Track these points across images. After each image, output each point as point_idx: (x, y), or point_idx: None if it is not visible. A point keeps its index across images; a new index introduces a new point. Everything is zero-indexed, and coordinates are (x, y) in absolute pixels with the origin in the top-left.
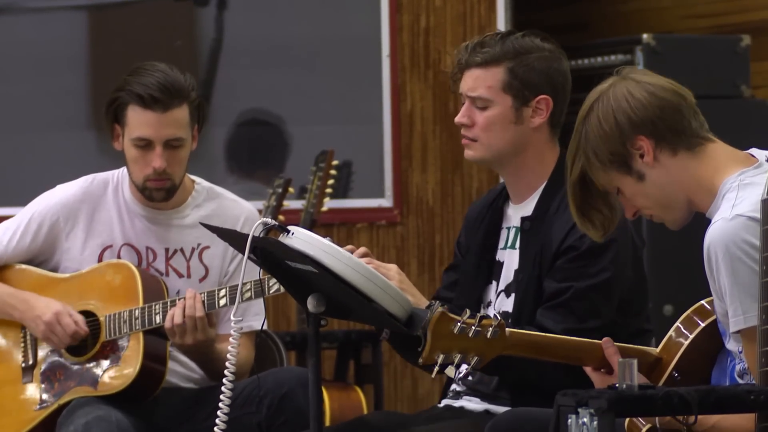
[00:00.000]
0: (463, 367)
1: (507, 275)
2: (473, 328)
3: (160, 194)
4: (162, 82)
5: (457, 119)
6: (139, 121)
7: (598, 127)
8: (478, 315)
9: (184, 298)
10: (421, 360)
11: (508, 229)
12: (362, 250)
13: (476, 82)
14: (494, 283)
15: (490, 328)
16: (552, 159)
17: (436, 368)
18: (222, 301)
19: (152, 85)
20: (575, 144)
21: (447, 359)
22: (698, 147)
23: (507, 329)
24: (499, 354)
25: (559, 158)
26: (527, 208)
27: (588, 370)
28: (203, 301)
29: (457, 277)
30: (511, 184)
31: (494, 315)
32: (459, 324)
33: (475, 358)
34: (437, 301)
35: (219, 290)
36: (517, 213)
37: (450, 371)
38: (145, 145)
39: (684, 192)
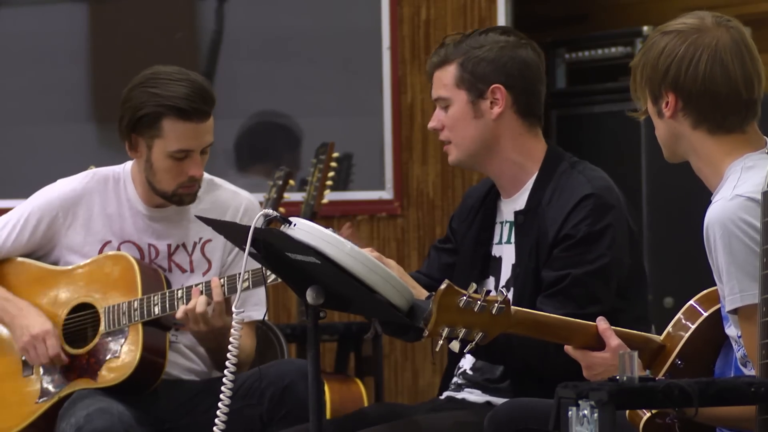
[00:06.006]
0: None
1: (506, 270)
2: (479, 302)
3: (190, 198)
4: (197, 91)
5: (429, 126)
6: (180, 134)
7: (657, 54)
8: (484, 290)
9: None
10: (426, 333)
11: (502, 224)
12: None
13: (436, 84)
14: (491, 278)
15: (496, 304)
16: (538, 152)
17: (440, 342)
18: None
19: (191, 96)
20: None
21: (451, 333)
22: (720, 134)
23: (512, 307)
24: (504, 331)
25: (547, 151)
26: (519, 202)
27: (575, 351)
28: (201, 291)
29: (451, 261)
30: (496, 181)
31: (500, 291)
32: (465, 298)
33: (480, 334)
34: (446, 280)
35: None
36: (508, 207)
37: (455, 346)
38: (184, 156)
39: (692, 157)
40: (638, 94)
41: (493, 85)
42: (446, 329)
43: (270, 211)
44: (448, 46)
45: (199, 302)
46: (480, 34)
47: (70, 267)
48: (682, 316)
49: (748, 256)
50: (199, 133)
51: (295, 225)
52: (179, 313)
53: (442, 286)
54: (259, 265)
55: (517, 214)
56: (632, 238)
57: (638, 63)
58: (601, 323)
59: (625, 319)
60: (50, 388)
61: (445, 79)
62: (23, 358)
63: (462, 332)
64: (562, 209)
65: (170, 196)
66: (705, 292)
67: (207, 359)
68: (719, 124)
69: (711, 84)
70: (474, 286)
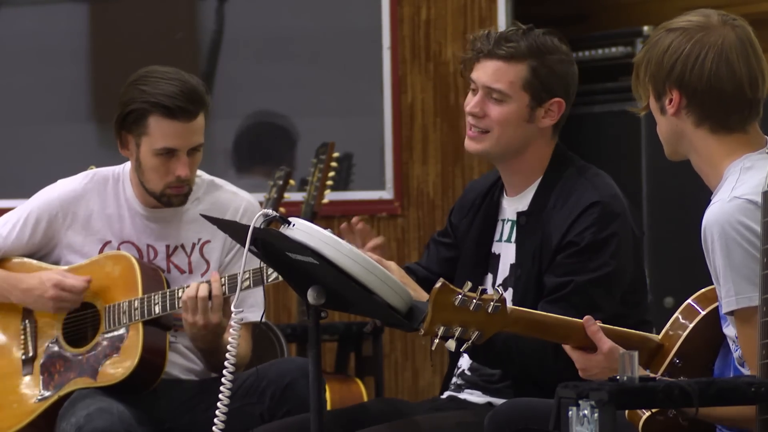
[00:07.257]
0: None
1: (504, 269)
2: (474, 301)
3: (179, 199)
4: (185, 91)
5: (469, 109)
6: (165, 132)
7: (663, 51)
8: (480, 288)
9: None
10: (422, 332)
11: (503, 221)
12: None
13: (497, 74)
14: (490, 275)
15: (491, 303)
16: (548, 153)
17: (436, 341)
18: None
19: (177, 95)
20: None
21: (447, 332)
22: (722, 133)
23: (508, 306)
24: (500, 330)
25: (554, 152)
26: (523, 201)
27: (568, 349)
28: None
29: (450, 255)
30: (507, 178)
31: (495, 289)
32: (460, 296)
33: (476, 333)
34: (441, 279)
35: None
36: (512, 206)
37: (450, 345)
38: (167, 153)
39: (693, 155)
40: (640, 90)
41: (556, 99)
42: (442, 328)
43: (269, 211)
44: (517, 40)
45: (201, 288)
46: (544, 35)
47: (70, 266)
48: (680, 315)
49: (745, 259)
50: (185, 132)
51: (294, 225)
52: (183, 296)
53: (437, 285)
54: (258, 265)
55: (519, 214)
56: (636, 244)
57: (642, 59)
58: (591, 326)
59: (628, 324)
60: (50, 387)
61: (511, 76)
62: (24, 354)
63: (458, 331)
64: (568, 215)
65: (159, 196)
66: (703, 290)
67: None
68: (722, 123)
69: (716, 82)
70: (469, 284)
